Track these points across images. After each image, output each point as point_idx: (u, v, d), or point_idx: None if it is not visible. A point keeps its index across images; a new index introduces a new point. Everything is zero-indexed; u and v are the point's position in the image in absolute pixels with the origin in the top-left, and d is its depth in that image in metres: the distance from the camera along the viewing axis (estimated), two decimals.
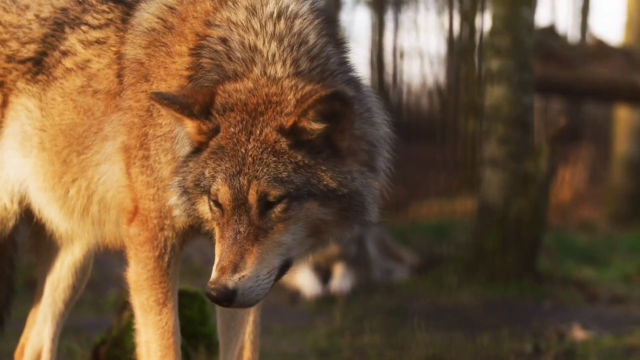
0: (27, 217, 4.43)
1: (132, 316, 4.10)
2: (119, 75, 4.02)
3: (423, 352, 6.15)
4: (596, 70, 11.85)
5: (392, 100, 16.40)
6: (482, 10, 14.42)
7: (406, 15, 17.50)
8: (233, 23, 3.76)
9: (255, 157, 3.53)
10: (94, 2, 4.21)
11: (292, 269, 3.68)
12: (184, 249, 4.04)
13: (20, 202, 4.33)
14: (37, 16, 4.27)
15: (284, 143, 3.54)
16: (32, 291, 4.77)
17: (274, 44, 3.68)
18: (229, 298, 3.51)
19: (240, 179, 3.53)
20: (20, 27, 4.29)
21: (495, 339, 6.54)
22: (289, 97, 3.59)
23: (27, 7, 4.31)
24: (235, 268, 3.51)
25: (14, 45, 4.27)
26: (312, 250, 3.78)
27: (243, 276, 3.51)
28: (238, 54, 3.69)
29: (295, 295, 8.83)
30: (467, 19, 15.58)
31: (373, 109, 3.80)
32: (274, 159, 3.53)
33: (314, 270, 9.03)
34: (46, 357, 4.71)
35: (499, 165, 8.51)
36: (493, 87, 8.57)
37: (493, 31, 8.66)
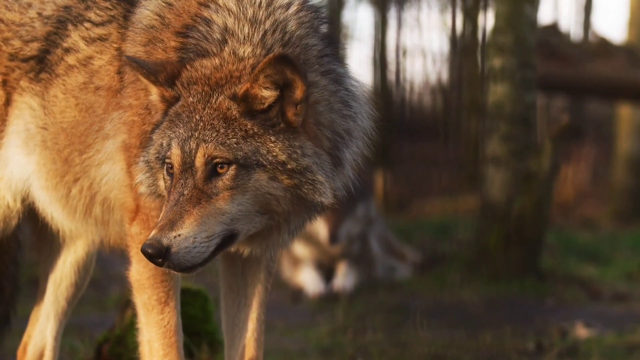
0: (31, 215, 4.43)
1: (134, 314, 4.10)
2: (120, 72, 4.04)
3: (425, 349, 6.16)
4: (599, 68, 11.83)
5: (394, 98, 16.40)
6: (485, 8, 14.41)
7: (409, 13, 17.49)
8: (221, 6, 3.81)
9: (206, 123, 3.60)
10: (97, 0, 4.21)
11: (237, 242, 3.67)
12: None
13: (23, 201, 4.33)
14: (39, 14, 4.27)
15: (235, 110, 3.60)
16: (36, 289, 4.77)
17: (247, 27, 3.74)
18: (162, 254, 3.52)
19: (191, 142, 3.59)
20: (22, 25, 4.28)
21: (497, 337, 6.54)
22: (248, 72, 3.65)
23: (29, 5, 4.30)
24: (172, 226, 3.54)
25: (16, 43, 4.27)
26: (268, 237, 3.77)
27: (179, 235, 3.53)
28: (216, 35, 3.76)
29: (298, 293, 8.84)
30: (470, 17, 15.58)
31: (350, 102, 3.81)
32: (224, 125, 3.59)
33: (316, 268, 9.03)
34: (49, 355, 4.72)
35: (502, 163, 8.51)
36: (496, 85, 8.57)
37: (496, 29, 8.65)
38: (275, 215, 3.66)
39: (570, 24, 19.11)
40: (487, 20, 12.94)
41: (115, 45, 4.08)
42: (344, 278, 8.97)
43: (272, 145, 3.58)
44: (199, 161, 3.58)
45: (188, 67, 3.71)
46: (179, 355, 3.99)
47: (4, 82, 4.27)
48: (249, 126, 3.59)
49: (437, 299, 8.12)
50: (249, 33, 3.73)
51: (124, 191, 4.01)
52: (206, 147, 3.57)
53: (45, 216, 4.32)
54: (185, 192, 3.57)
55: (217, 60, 3.69)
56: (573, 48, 12.06)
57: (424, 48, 16.84)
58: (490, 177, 8.58)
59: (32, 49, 4.25)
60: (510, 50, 8.53)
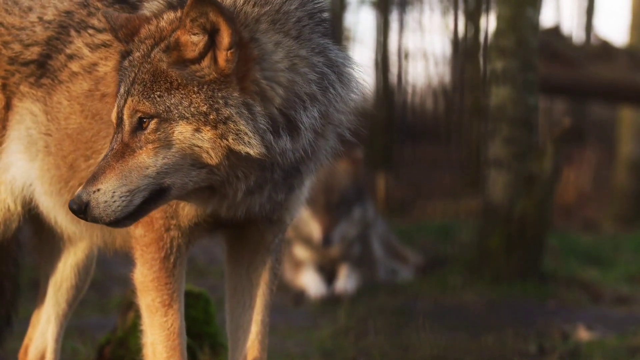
0: (32, 217, 4.43)
1: (136, 317, 4.11)
2: None
3: (427, 352, 6.16)
4: (601, 71, 11.83)
5: (396, 101, 16.41)
6: (487, 10, 14.43)
7: (411, 16, 17.50)
8: None
9: (139, 78, 3.59)
10: (99, 6, 4.20)
11: (173, 197, 3.63)
12: (190, 249, 4.05)
13: (24, 205, 4.33)
14: (40, 18, 4.26)
15: (164, 62, 3.58)
16: (37, 291, 4.78)
17: None
18: (81, 210, 3.54)
19: (125, 98, 3.61)
20: (23, 29, 4.27)
21: (499, 339, 6.54)
22: None
23: (30, 9, 4.29)
24: (94, 181, 3.55)
25: (16, 47, 4.26)
26: (225, 195, 3.69)
27: (98, 189, 3.54)
28: None
29: (300, 296, 8.83)
30: (472, 20, 15.59)
31: (323, 70, 3.74)
32: (152, 78, 3.57)
33: (318, 271, 9.03)
34: (50, 358, 4.72)
35: (504, 166, 8.51)
36: (497, 87, 8.57)
37: (497, 32, 8.65)
38: (215, 169, 3.60)
39: (573, 27, 19.15)
40: (489, 22, 12.97)
41: (119, 50, 4.07)
42: (345, 280, 8.97)
43: (194, 96, 3.54)
44: (125, 115, 3.58)
45: (152, 20, 3.70)
46: (182, 357, 3.99)
47: (4, 85, 4.26)
48: (174, 77, 3.56)
49: (438, 301, 8.12)
50: None
51: None
52: (131, 100, 3.57)
53: (49, 220, 4.32)
54: (114, 147, 3.59)
55: (179, 13, 3.66)
56: (575, 51, 12.06)
57: (426, 51, 16.88)
58: (492, 180, 8.58)
59: (33, 53, 4.24)
60: (512, 52, 8.53)
